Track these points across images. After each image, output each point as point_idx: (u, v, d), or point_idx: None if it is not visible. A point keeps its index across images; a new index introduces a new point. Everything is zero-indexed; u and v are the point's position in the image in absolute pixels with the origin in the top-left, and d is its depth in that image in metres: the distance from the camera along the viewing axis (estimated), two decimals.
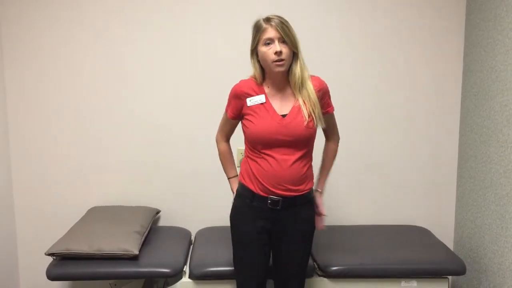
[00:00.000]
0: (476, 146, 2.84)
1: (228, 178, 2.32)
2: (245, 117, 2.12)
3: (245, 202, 2.15)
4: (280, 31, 1.99)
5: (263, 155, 2.09)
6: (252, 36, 2.08)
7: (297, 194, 2.12)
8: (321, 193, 2.28)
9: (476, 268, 2.82)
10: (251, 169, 2.13)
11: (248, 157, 2.16)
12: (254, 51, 2.08)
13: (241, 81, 2.16)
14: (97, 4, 2.90)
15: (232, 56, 2.90)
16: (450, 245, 3.12)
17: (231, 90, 2.17)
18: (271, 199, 2.10)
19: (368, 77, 3.01)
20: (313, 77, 2.13)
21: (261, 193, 2.11)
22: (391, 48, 3.00)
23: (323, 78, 2.15)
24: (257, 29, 2.05)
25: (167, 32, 2.94)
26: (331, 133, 2.28)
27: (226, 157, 2.32)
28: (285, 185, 2.09)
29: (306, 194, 2.16)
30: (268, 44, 2.01)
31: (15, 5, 2.87)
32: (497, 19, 2.62)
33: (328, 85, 2.18)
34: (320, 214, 2.24)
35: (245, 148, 2.19)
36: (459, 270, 2.54)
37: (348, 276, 2.51)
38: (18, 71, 2.93)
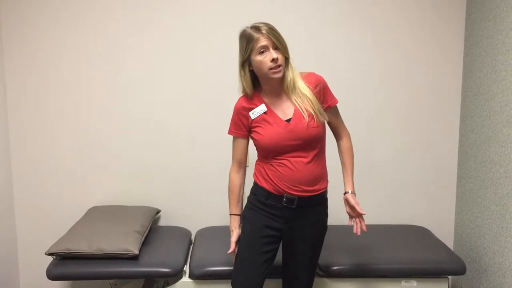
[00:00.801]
0: (476, 146, 2.84)
1: (230, 214, 2.21)
2: (253, 130, 2.11)
3: (260, 200, 2.13)
4: (272, 38, 1.98)
5: (276, 161, 2.08)
6: (242, 47, 2.03)
7: (313, 194, 2.11)
8: (353, 193, 2.18)
9: (476, 268, 2.82)
10: (265, 171, 2.12)
11: (262, 161, 2.15)
12: (246, 62, 2.04)
13: (239, 99, 2.15)
14: (97, 5, 2.90)
15: (233, 56, 2.89)
16: (450, 244, 3.13)
17: (234, 109, 2.15)
18: (287, 197, 2.09)
19: (368, 77, 3.02)
20: (308, 74, 2.11)
21: (276, 193, 2.10)
22: (391, 48, 3.00)
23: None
24: (248, 39, 2.00)
25: (168, 32, 2.94)
26: (340, 128, 2.23)
27: (233, 192, 2.19)
28: (300, 186, 2.08)
29: (321, 193, 2.15)
30: (263, 52, 1.98)
31: (15, 5, 2.87)
32: (497, 19, 2.62)
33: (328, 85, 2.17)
34: (359, 215, 2.16)
35: (258, 156, 2.17)
36: (459, 269, 2.54)
37: (349, 276, 2.51)
38: (19, 71, 2.93)
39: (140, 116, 3.00)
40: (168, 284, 2.53)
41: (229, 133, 2.19)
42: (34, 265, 2.99)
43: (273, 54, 1.97)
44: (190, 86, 2.98)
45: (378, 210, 3.11)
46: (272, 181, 2.09)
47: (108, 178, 3.03)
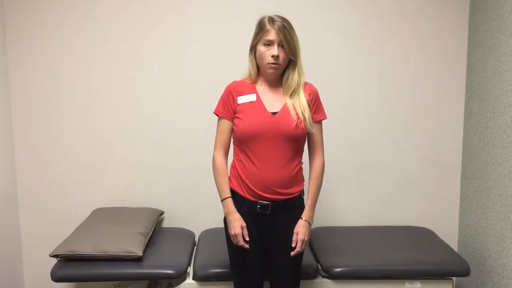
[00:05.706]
0: (480, 147, 2.83)
1: (224, 199, 2.14)
2: (236, 115, 2.11)
3: (236, 207, 2.13)
4: (281, 35, 2.01)
5: (251, 156, 2.07)
6: (254, 33, 2.09)
7: (287, 197, 2.10)
8: (308, 222, 2.10)
9: (480, 269, 2.81)
10: (238, 173, 2.11)
11: (236, 160, 2.14)
12: (253, 49, 2.10)
13: (233, 81, 2.17)
14: (102, 6, 2.91)
15: (237, 56, 2.89)
16: (454, 246, 3.12)
17: (225, 89, 2.16)
18: (260, 204, 2.08)
19: (371, 77, 3.01)
20: (304, 83, 2.14)
21: (250, 198, 2.09)
22: (394, 49, 2.99)
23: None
24: (260, 28, 2.05)
25: (171, 34, 2.94)
26: (318, 147, 2.17)
27: (224, 174, 2.13)
28: (274, 188, 2.07)
29: (296, 197, 2.13)
30: (268, 45, 2.03)
31: (20, 5, 2.88)
32: (501, 20, 2.61)
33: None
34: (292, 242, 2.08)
35: (234, 151, 2.16)
36: (463, 271, 2.54)
37: (352, 278, 2.51)
38: (23, 71, 2.94)
39: (144, 118, 3.00)
40: (172, 286, 2.54)
41: (215, 112, 2.17)
42: (39, 267, 3.00)
43: (275, 50, 2.01)
44: (194, 88, 2.99)
45: (382, 211, 3.11)
46: (245, 183, 2.08)
47: (112, 180, 3.04)
